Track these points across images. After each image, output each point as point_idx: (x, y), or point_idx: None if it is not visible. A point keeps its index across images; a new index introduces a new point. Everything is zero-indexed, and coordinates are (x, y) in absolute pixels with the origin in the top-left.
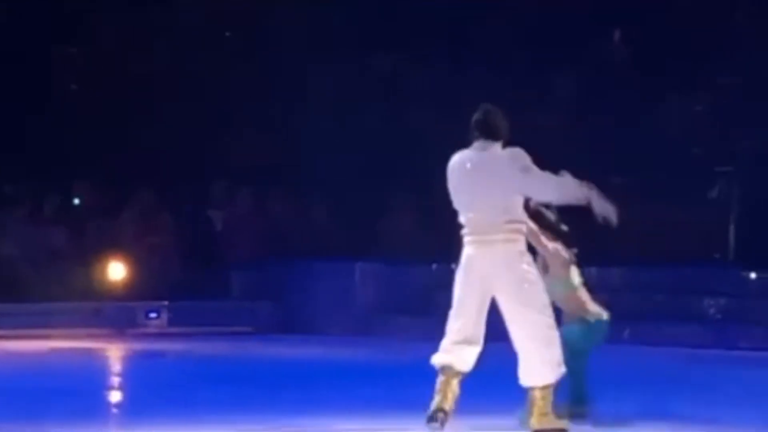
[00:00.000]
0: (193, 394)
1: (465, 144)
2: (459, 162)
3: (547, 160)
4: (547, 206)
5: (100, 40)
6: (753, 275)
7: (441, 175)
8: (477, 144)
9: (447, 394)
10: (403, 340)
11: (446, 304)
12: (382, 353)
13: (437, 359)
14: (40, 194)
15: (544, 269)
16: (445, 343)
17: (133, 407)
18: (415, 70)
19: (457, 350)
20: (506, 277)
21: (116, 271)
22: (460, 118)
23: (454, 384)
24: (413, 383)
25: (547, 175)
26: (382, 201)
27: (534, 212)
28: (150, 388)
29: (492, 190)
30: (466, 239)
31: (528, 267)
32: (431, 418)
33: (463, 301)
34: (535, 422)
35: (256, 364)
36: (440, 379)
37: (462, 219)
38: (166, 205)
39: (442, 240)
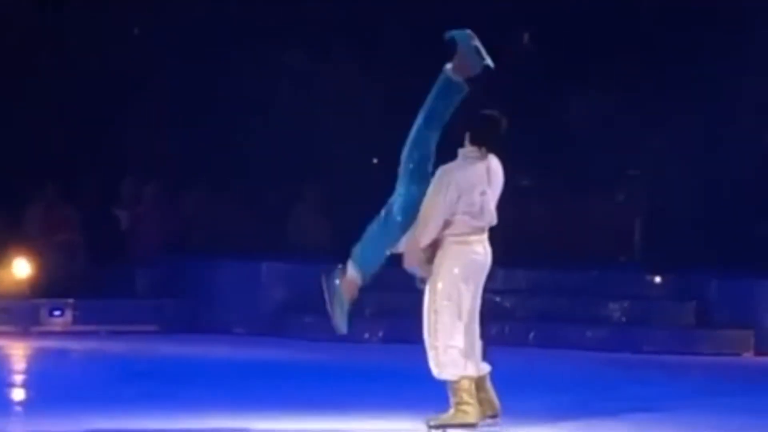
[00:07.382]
0: (97, 393)
1: (372, 145)
2: None
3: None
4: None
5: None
6: (658, 279)
7: (349, 174)
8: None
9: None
10: (310, 340)
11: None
12: (287, 353)
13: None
14: None
15: None
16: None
17: (37, 405)
18: (324, 69)
19: None
20: None
21: (20, 268)
22: (366, 118)
23: None
24: (318, 383)
25: None
26: (290, 199)
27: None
28: (54, 387)
29: None
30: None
31: None
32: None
33: None
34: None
35: (160, 362)
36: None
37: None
38: (71, 201)
39: (349, 240)
